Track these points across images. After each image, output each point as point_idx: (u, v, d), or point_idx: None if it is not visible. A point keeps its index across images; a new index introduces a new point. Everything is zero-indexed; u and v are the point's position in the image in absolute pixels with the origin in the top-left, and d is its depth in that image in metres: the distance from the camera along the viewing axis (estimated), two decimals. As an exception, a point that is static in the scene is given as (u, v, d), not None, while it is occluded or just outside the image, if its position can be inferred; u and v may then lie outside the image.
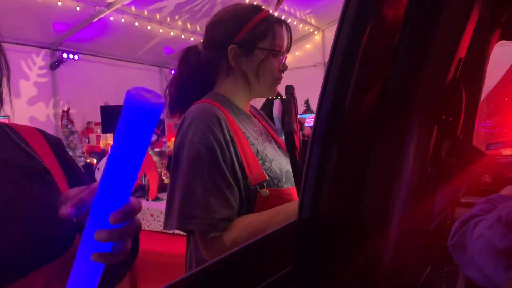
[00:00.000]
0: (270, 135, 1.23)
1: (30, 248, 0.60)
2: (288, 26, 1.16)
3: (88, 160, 4.65)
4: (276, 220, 0.98)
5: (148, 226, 2.40)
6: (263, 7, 1.16)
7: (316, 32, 11.35)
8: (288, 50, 1.17)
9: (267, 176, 1.04)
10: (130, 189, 0.50)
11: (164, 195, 3.55)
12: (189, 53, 1.19)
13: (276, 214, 1.00)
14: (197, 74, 1.17)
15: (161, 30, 8.72)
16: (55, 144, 0.77)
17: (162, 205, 2.46)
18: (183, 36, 9.61)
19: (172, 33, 9.05)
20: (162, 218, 2.33)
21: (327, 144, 0.56)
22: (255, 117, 1.24)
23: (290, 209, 0.99)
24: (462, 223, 0.73)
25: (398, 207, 0.57)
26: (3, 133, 0.71)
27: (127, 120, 0.45)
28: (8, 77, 0.72)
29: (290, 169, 1.12)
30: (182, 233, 2.40)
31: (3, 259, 0.57)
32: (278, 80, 1.16)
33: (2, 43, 0.70)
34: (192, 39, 9.74)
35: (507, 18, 0.79)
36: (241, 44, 1.10)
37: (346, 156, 0.58)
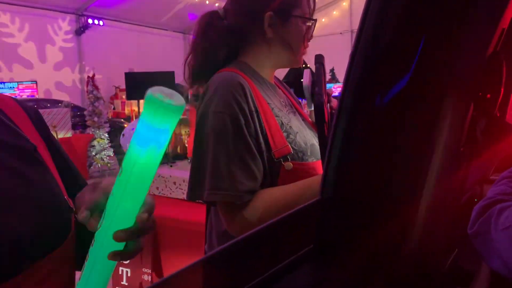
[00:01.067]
0: (294, 107, 1.20)
1: (33, 236, 0.58)
2: None
3: (125, 125, 4.62)
4: (300, 194, 0.96)
5: (170, 193, 2.43)
6: None
7: (343, -2, 11.02)
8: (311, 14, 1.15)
9: (292, 149, 1.02)
10: (146, 189, 0.49)
11: (187, 163, 3.59)
12: (213, 18, 1.14)
13: (301, 187, 0.98)
14: (221, 41, 1.13)
15: (185, -5, 8.64)
16: (35, 117, 0.74)
17: (184, 174, 2.48)
18: (207, 2, 9.49)
19: (196, -1, 8.95)
20: (184, 186, 2.36)
21: (354, 119, 0.53)
22: (279, 88, 1.21)
23: (314, 183, 0.97)
24: (483, 208, 0.67)
25: (427, 187, 0.54)
26: None
27: (147, 121, 0.44)
28: None
29: (315, 142, 1.09)
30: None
31: (8, 248, 0.55)
32: (306, 49, 1.13)
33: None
34: (216, 5, 9.56)
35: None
36: (277, 11, 1.06)
37: (374, 132, 0.54)
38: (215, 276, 0.48)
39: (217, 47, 1.11)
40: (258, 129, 1.00)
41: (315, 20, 1.11)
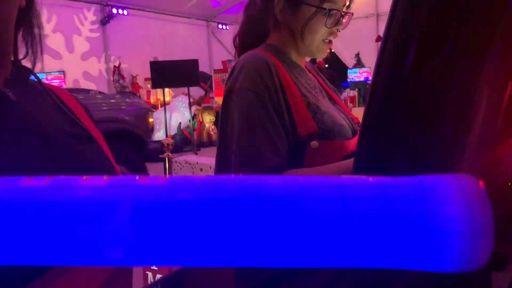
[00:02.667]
0: (326, 91, 1.19)
1: None
2: None
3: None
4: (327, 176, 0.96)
5: (197, 179, 2.46)
6: None
7: (369, -19, 10.78)
8: (348, 6, 1.09)
9: (318, 128, 1.01)
10: None
11: (213, 150, 3.62)
12: (252, 1, 1.18)
13: (329, 170, 0.97)
14: (254, 23, 1.15)
15: (208, -18, 8.65)
16: (86, 111, 0.77)
17: (210, 160, 2.50)
18: (230, -11, 9.44)
19: (219, -14, 8.94)
20: (211, 172, 2.38)
21: (389, 98, 0.53)
22: (310, 72, 1.21)
23: (342, 167, 0.96)
24: None
25: (463, 167, 0.53)
26: (51, 100, 0.70)
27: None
28: (40, 36, 0.71)
29: (345, 123, 1.09)
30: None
31: None
32: (328, 40, 1.10)
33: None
34: (239, -9, 9.53)
35: None
36: None
37: (409, 111, 0.54)
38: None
39: (252, 31, 1.16)
40: (284, 106, 1.00)
41: (336, 10, 1.05)
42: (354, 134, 1.11)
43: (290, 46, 1.12)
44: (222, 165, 1.05)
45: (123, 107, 4.35)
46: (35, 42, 0.69)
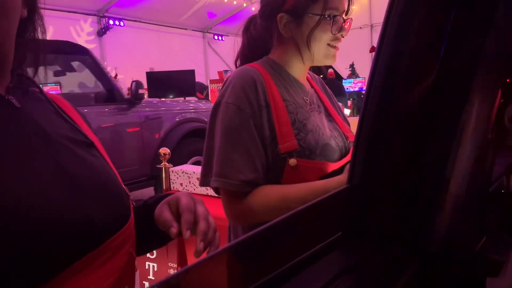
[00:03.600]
0: (324, 107, 1.20)
1: (103, 216, 0.63)
2: None
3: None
4: (302, 196, 0.97)
5: (194, 189, 2.46)
6: None
7: (363, -7, 10.88)
8: (347, 12, 1.11)
9: (299, 146, 1.03)
10: None
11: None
12: (250, 23, 1.21)
13: (304, 189, 1.00)
14: (256, 43, 1.18)
15: (204, -6, 8.71)
16: (86, 120, 0.80)
17: (207, 169, 2.50)
18: (225, 0, 9.51)
19: (215, -3, 9.01)
20: (207, 182, 2.39)
21: (381, 107, 0.54)
22: (313, 87, 1.22)
23: (318, 188, 0.98)
24: None
25: (455, 174, 0.55)
26: (50, 107, 0.72)
27: None
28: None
29: (332, 143, 1.10)
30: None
31: (84, 225, 0.59)
32: (334, 46, 1.11)
33: (43, 10, 0.70)
34: (235, 2, 9.60)
35: None
36: (291, 11, 1.07)
37: (401, 120, 0.55)
38: (240, 265, 0.49)
39: (254, 50, 1.19)
40: (266, 123, 1.03)
41: (338, 16, 1.07)
42: (342, 153, 1.12)
43: (293, 60, 1.13)
44: (205, 173, 1.08)
45: (202, 109, 5.39)
46: (37, 50, 0.71)
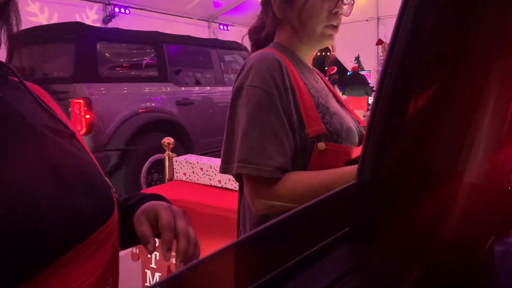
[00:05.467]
0: (332, 92, 1.20)
1: (89, 209, 0.62)
2: None
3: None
4: (331, 181, 0.95)
5: (198, 179, 2.45)
6: None
7: (370, -16, 10.77)
8: None
9: (326, 130, 1.00)
10: None
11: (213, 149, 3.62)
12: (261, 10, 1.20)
13: (333, 175, 0.97)
14: (264, 28, 1.16)
15: (210, -17, 8.66)
16: (63, 109, 0.78)
17: (211, 160, 2.50)
18: (232, -11, 9.43)
19: (221, -14, 8.95)
20: (210, 172, 2.38)
21: (393, 103, 0.53)
22: (317, 74, 1.21)
23: (347, 172, 0.96)
24: None
25: (467, 173, 0.54)
26: (30, 97, 0.69)
27: None
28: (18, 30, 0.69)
29: (353, 126, 1.09)
30: (231, 187, 2.43)
31: (71, 218, 0.58)
32: (331, 24, 1.08)
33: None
34: (240, -8, 9.52)
35: None
36: None
37: (412, 116, 0.54)
38: (248, 259, 0.48)
39: (263, 35, 1.17)
40: (293, 106, 0.99)
41: None
42: (360, 138, 1.11)
43: (296, 43, 1.11)
44: (226, 160, 1.03)
45: None
46: (11, 40, 0.67)
